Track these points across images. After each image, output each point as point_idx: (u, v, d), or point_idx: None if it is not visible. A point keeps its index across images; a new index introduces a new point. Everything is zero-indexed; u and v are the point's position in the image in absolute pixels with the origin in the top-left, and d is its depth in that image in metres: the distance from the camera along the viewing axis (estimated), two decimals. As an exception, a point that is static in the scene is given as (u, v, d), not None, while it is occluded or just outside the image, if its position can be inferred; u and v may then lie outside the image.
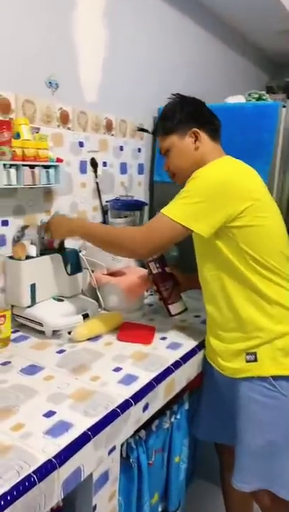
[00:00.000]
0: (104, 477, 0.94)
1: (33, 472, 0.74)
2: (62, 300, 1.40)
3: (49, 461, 0.77)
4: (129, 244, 1.12)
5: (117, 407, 0.94)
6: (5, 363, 1.12)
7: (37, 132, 1.34)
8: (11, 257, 1.31)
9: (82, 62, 1.56)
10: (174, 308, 1.39)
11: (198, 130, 1.19)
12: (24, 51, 1.33)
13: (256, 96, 2.17)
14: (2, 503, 0.67)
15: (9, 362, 1.13)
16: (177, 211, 1.07)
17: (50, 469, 0.76)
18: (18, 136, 1.25)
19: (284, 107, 1.77)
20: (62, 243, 1.40)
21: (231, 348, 1.15)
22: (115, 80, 1.75)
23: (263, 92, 2.18)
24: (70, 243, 1.44)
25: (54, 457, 0.78)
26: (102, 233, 1.19)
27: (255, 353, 1.11)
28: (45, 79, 1.41)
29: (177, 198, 1.10)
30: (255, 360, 1.11)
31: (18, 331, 1.33)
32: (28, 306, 1.32)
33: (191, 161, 1.19)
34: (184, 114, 1.20)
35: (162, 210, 1.09)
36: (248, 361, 1.12)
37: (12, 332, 1.28)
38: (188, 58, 2.28)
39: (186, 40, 2.24)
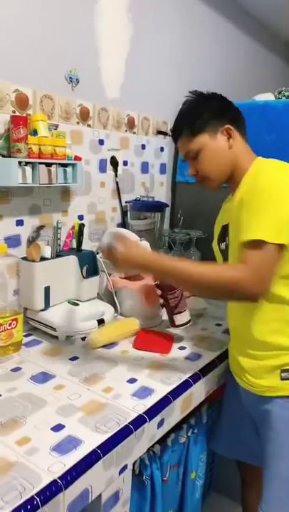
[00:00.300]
0: (115, 498, 0.88)
1: (37, 494, 0.68)
2: (77, 304, 1.35)
3: (54, 482, 0.71)
4: (237, 289, 0.90)
5: (130, 423, 0.88)
6: (15, 369, 1.08)
7: (55, 129, 1.29)
8: (24, 258, 1.26)
9: (105, 57, 1.51)
10: (180, 318, 1.28)
11: (231, 127, 1.06)
12: (44, 45, 1.28)
13: (287, 94, 2.08)
14: (1, 529, 0.62)
15: (20, 368, 1.09)
16: (268, 231, 0.90)
17: (56, 491, 0.70)
18: (35, 132, 1.20)
19: (316, 104, 1.68)
20: (79, 243, 1.34)
21: (264, 364, 1.05)
22: (138, 75, 1.69)
23: (294, 90, 2.08)
24: (87, 245, 1.39)
25: (60, 478, 0.72)
26: (190, 275, 0.93)
27: None
28: (65, 74, 1.36)
29: (255, 217, 0.92)
30: None
31: (30, 334, 1.28)
32: (42, 310, 1.28)
33: (227, 162, 1.07)
34: (212, 110, 1.06)
35: (249, 237, 0.91)
36: (283, 379, 1.02)
37: (25, 335, 1.24)
38: (214, 54, 2.20)
39: (212, 36, 2.16)
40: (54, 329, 1.24)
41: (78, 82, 1.40)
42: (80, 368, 1.10)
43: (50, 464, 0.75)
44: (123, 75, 1.61)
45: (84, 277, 1.34)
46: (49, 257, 1.28)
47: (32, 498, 0.67)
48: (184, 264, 0.95)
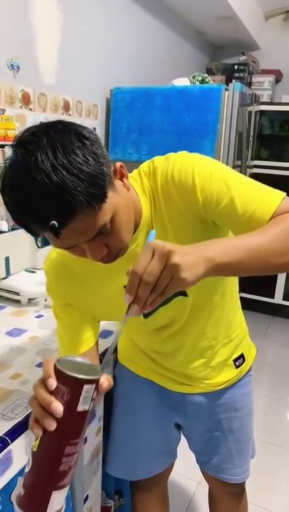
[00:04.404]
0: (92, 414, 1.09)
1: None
2: (34, 272, 1.51)
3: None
4: None
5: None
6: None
7: (3, 113, 1.41)
8: (-16, 232, 1.39)
9: (40, 46, 1.63)
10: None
11: (120, 163, 0.72)
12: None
13: (200, 78, 2.34)
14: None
15: (-7, 327, 1.24)
16: (272, 190, 0.76)
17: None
18: (-14, 117, 1.32)
19: (226, 90, 1.96)
20: None
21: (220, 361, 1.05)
22: (70, 62, 1.83)
23: (206, 75, 2.35)
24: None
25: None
26: (270, 240, 0.66)
27: None
28: (6, 62, 1.47)
29: (242, 181, 0.76)
30: None
31: (-8, 301, 1.42)
32: (3, 278, 1.42)
33: (133, 211, 0.76)
34: (95, 154, 0.63)
35: (277, 199, 0.72)
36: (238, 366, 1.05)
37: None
38: (136, 42, 2.39)
39: (133, 26, 2.34)
40: (17, 294, 1.39)
41: (19, 69, 1.52)
42: (48, 322, 1.28)
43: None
44: (56, 62, 1.74)
45: (39, 247, 1.50)
46: (6, 230, 1.42)
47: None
48: (244, 237, 0.68)
